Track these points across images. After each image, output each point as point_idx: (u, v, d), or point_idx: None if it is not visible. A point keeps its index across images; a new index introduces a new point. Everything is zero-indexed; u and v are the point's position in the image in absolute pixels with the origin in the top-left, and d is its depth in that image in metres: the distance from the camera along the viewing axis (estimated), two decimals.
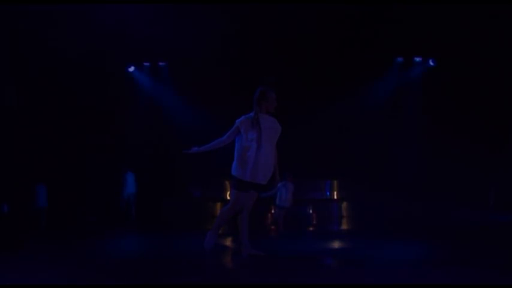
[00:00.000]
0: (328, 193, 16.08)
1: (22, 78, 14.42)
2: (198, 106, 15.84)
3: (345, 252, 8.24)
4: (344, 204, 15.42)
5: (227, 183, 14.89)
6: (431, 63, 15.76)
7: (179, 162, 15.31)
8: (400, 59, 15.92)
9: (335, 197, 15.95)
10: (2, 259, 7.19)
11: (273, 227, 13.38)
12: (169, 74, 16.47)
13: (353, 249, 8.48)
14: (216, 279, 5.59)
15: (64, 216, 14.05)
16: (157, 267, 6.32)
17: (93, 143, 15.41)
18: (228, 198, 13.55)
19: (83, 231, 12.22)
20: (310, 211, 14.30)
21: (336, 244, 9.75)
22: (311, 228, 13.67)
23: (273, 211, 13.49)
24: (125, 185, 14.96)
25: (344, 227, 13.89)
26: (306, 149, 15.47)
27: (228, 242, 9.19)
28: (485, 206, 14.58)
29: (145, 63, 16.53)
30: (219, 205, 15.10)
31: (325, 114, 15.39)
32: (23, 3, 12.08)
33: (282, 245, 9.24)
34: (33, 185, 13.66)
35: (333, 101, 15.36)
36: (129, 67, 16.37)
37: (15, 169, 14.28)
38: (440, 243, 9.03)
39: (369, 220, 13.36)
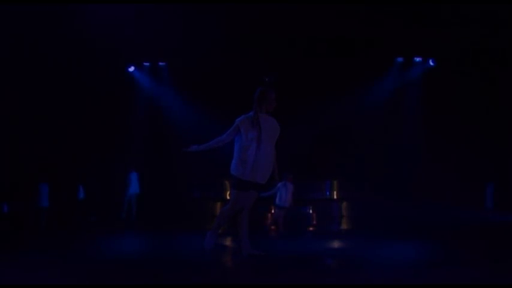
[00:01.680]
0: (328, 193, 16.08)
1: (23, 78, 14.42)
2: (198, 106, 15.84)
3: (344, 252, 8.24)
4: (344, 204, 15.43)
5: (227, 183, 14.90)
6: (431, 63, 15.75)
7: (179, 162, 15.32)
8: (400, 59, 15.91)
9: (335, 196, 15.95)
10: (2, 259, 7.19)
11: (273, 227, 13.38)
12: (169, 74, 16.46)
13: (353, 249, 8.49)
14: (215, 279, 5.60)
15: (64, 216, 14.03)
16: (157, 267, 6.32)
17: (93, 143, 15.40)
18: (228, 198, 13.58)
19: (83, 231, 12.22)
20: (310, 211, 14.30)
21: (336, 244, 9.75)
22: (311, 228, 13.67)
23: (273, 211, 13.48)
24: (129, 185, 14.92)
25: (344, 227, 13.88)
26: (307, 148, 15.48)
27: (228, 241, 9.19)
28: (484, 206, 14.55)
29: (145, 63, 16.51)
30: (219, 205, 15.11)
31: (325, 114, 15.38)
32: (22, 3, 12.08)
33: (282, 245, 9.25)
34: (36, 184, 13.62)
35: (333, 101, 15.36)
36: (129, 67, 16.36)
37: (17, 169, 14.27)
38: (440, 243, 9.03)
39: (369, 220, 13.36)
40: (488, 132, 15.19)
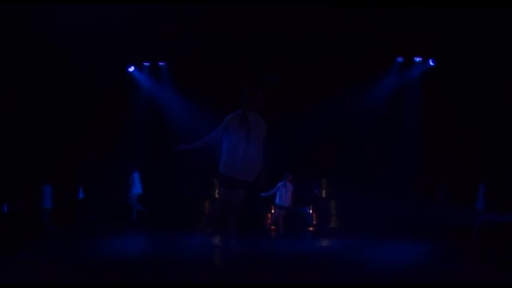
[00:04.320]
0: (327, 192, 16.06)
1: (23, 79, 14.43)
2: (197, 106, 15.82)
3: (344, 252, 8.25)
4: (343, 204, 15.40)
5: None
6: (431, 63, 15.73)
7: (178, 162, 15.34)
8: (400, 59, 15.88)
9: (334, 196, 15.93)
10: (3, 259, 7.20)
11: (273, 227, 13.39)
12: (169, 74, 16.44)
13: (353, 249, 8.50)
14: (215, 280, 5.59)
15: (65, 217, 14.02)
16: (156, 267, 6.33)
17: (93, 143, 15.39)
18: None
19: (83, 231, 12.24)
20: (310, 211, 14.31)
21: (335, 244, 9.77)
22: (311, 228, 13.69)
23: (273, 211, 13.50)
24: (132, 185, 14.93)
25: (343, 226, 13.89)
26: (306, 148, 15.47)
27: (218, 241, 9.18)
28: (475, 207, 14.33)
29: (145, 63, 16.48)
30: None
31: (324, 114, 15.37)
32: (22, 2, 12.07)
33: (282, 245, 9.27)
34: (35, 185, 13.57)
35: (333, 101, 15.35)
36: (129, 67, 16.35)
37: (17, 169, 14.27)
38: (439, 244, 9.04)
39: (368, 220, 13.35)
40: (488, 133, 15.16)
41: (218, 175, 6.90)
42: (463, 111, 15.07)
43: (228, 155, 6.73)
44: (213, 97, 15.52)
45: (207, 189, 15.63)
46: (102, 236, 10.92)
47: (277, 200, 12.95)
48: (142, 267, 6.37)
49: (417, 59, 15.59)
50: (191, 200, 15.63)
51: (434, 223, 12.77)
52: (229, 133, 6.74)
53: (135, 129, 16.14)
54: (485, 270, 6.01)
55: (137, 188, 14.96)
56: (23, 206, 13.37)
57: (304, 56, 14.96)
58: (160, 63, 16.21)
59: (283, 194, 12.85)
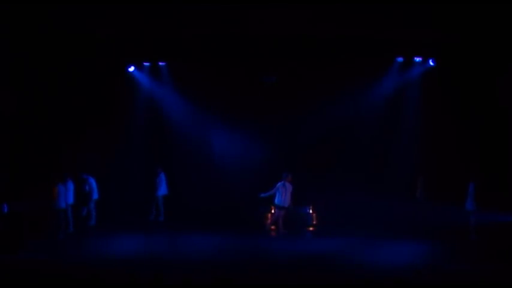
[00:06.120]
0: (327, 193, 16.02)
1: (24, 80, 14.44)
2: (197, 106, 15.83)
3: (344, 251, 8.25)
4: (343, 205, 15.37)
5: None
6: (431, 63, 15.73)
7: (178, 162, 15.34)
8: (400, 59, 15.88)
9: (334, 196, 15.88)
10: (3, 259, 7.21)
11: (273, 227, 13.40)
12: (169, 74, 16.41)
13: (353, 249, 8.50)
14: (215, 279, 5.60)
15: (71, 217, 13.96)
16: (157, 267, 6.33)
17: (93, 143, 15.38)
18: None
19: (83, 232, 12.23)
20: (310, 211, 14.31)
21: (335, 244, 9.75)
22: (311, 228, 13.68)
23: (273, 211, 13.51)
24: (158, 186, 14.88)
25: (343, 226, 13.86)
26: (306, 148, 15.47)
27: (227, 241, 9.20)
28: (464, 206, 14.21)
29: (145, 63, 16.46)
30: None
31: (324, 114, 15.37)
32: (23, 2, 12.06)
33: (282, 245, 9.26)
34: (55, 185, 13.44)
35: (333, 101, 15.35)
36: (129, 67, 16.33)
37: (21, 170, 14.28)
38: (438, 244, 9.04)
39: (368, 220, 13.35)
40: (488, 133, 15.15)
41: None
42: (462, 111, 15.06)
43: None
44: (213, 97, 15.51)
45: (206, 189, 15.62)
46: (102, 236, 10.92)
47: (276, 200, 12.96)
48: (143, 267, 6.38)
49: (417, 59, 15.58)
50: (191, 199, 15.61)
51: (432, 223, 12.74)
52: None
53: (135, 129, 16.12)
54: (485, 270, 6.02)
55: (163, 189, 14.95)
56: (23, 206, 13.32)
57: (304, 56, 14.95)
58: (161, 63, 16.20)
59: (283, 194, 12.86)
